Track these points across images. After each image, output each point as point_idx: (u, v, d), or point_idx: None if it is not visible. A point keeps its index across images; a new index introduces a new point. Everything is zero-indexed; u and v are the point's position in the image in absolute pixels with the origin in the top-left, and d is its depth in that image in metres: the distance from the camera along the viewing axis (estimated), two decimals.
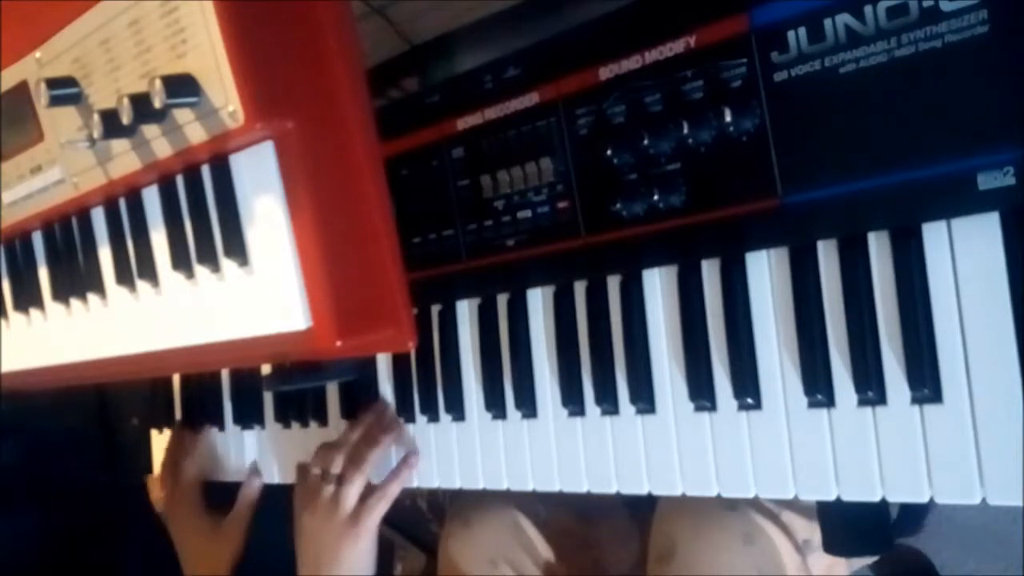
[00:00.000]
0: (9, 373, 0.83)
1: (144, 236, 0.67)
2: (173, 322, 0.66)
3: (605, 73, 0.70)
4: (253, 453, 1.01)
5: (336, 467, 0.85)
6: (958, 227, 0.57)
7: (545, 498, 0.80)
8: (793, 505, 0.77)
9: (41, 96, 0.64)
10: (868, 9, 0.58)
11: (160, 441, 1.11)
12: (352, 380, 0.89)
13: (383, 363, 0.88)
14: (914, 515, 0.96)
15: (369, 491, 0.84)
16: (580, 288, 0.74)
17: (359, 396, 0.90)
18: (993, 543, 1.14)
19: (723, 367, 0.66)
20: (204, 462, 1.03)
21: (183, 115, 0.58)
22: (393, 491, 0.84)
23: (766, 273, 0.64)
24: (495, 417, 0.80)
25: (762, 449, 0.64)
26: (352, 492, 0.83)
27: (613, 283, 0.72)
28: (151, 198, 0.66)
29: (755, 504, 0.75)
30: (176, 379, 1.09)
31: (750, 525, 0.73)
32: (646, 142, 0.68)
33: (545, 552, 0.87)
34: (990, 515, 1.12)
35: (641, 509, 0.70)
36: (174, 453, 1.04)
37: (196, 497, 1.01)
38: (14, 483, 1.33)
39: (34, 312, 0.79)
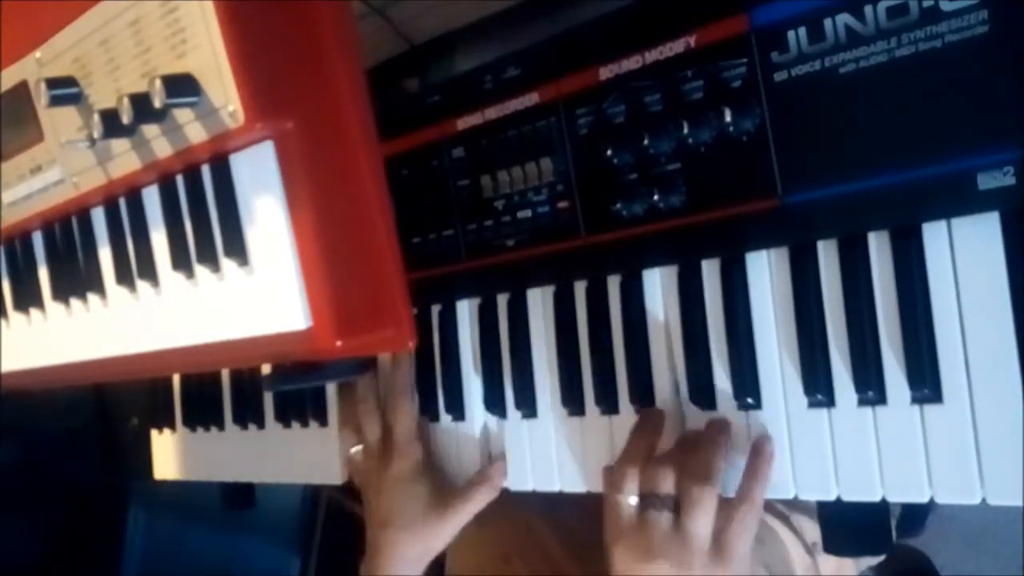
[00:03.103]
0: (9, 373, 0.83)
1: (144, 236, 0.67)
2: (173, 322, 0.66)
3: (605, 73, 0.70)
4: None
5: (666, 486, 0.63)
6: (958, 227, 0.57)
7: (557, 498, 0.77)
8: (802, 507, 0.77)
9: (41, 96, 0.64)
10: (868, 9, 0.58)
11: (160, 441, 1.11)
12: (352, 380, 0.89)
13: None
14: (916, 516, 0.96)
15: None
16: (580, 288, 0.74)
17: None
18: (993, 543, 1.15)
19: (723, 367, 0.66)
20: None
21: (183, 115, 0.58)
22: (758, 497, 0.62)
23: (766, 273, 0.64)
24: (496, 417, 0.80)
25: None
26: (703, 517, 0.61)
27: (613, 283, 0.72)
28: (151, 198, 0.66)
29: (765, 505, 0.75)
30: (176, 379, 1.09)
31: (761, 526, 0.73)
32: (646, 142, 0.68)
33: (557, 552, 0.86)
34: (990, 515, 1.12)
35: None
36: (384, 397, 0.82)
37: (418, 456, 0.80)
38: (14, 483, 1.33)
39: (34, 312, 0.79)
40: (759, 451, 0.63)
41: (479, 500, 0.78)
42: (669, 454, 0.65)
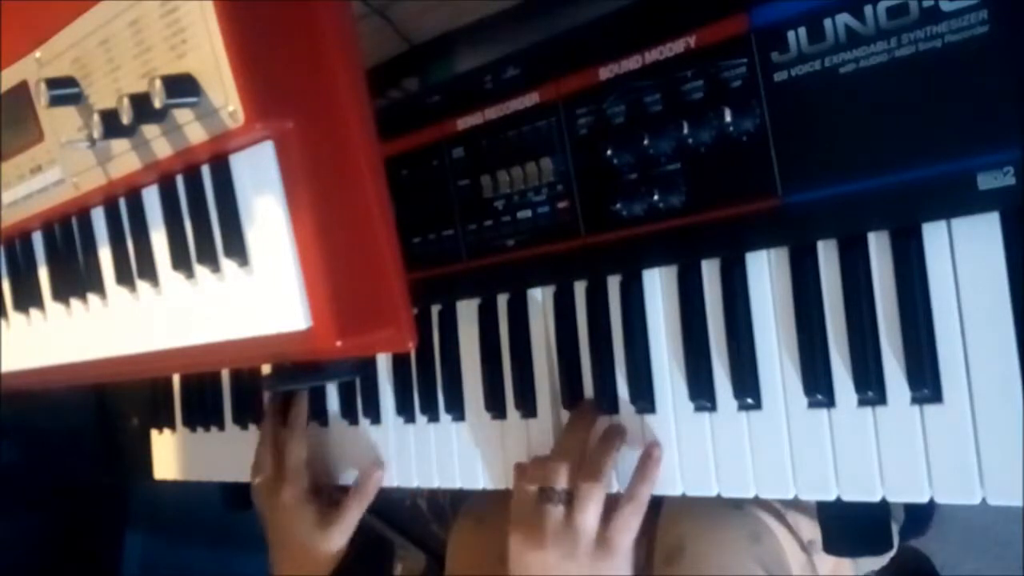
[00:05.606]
0: (9, 373, 0.83)
1: (144, 236, 0.67)
2: (173, 322, 0.66)
3: (605, 73, 0.70)
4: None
5: (561, 482, 0.69)
6: (958, 227, 0.56)
7: None
8: (798, 506, 0.77)
9: (41, 96, 0.64)
10: (868, 9, 0.58)
11: (160, 441, 1.11)
12: (352, 380, 0.89)
13: (383, 363, 0.88)
14: (919, 517, 0.96)
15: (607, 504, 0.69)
16: (580, 288, 0.74)
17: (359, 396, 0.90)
18: (993, 543, 1.15)
19: (723, 367, 0.66)
20: (315, 452, 0.91)
21: (183, 115, 0.58)
22: (644, 496, 0.68)
23: (766, 273, 0.64)
24: (495, 417, 0.80)
25: (762, 449, 0.64)
26: (591, 511, 0.67)
27: (613, 283, 0.72)
28: (151, 198, 0.66)
29: (762, 503, 0.75)
30: (176, 379, 1.09)
31: (757, 524, 0.73)
32: (646, 142, 0.68)
33: None
34: (990, 515, 1.12)
35: (646, 514, 0.70)
36: (278, 436, 0.91)
37: (304, 484, 0.88)
38: (14, 483, 1.33)
39: (34, 312, 0.79)
40: (649, 455, 0.69)
41: (356, 510, 0.86)
42: (569, 452, 0.70)
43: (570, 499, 0.68)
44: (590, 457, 0.69)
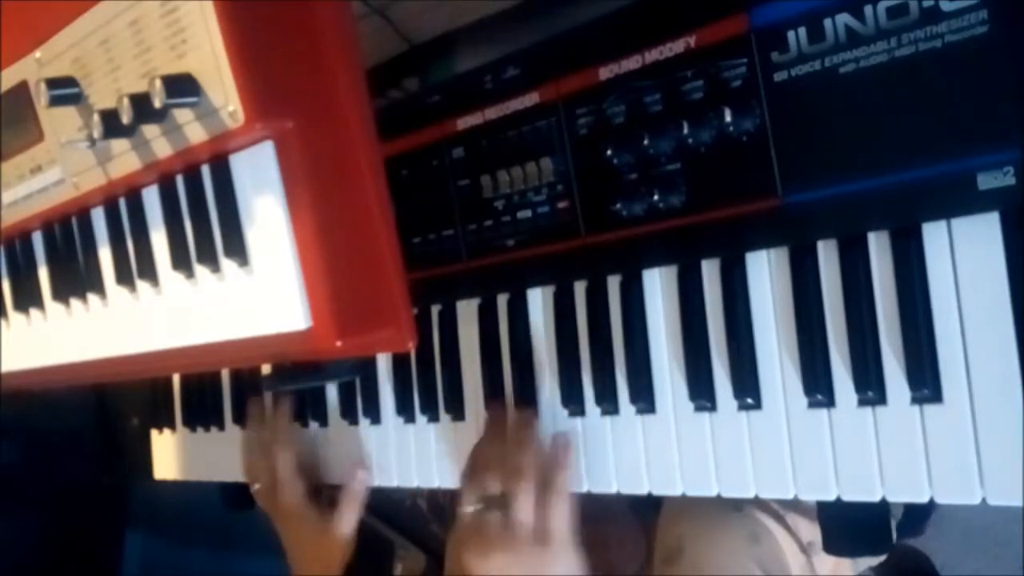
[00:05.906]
0: (9, 373, 0.83)
1: (144, 236, 0.67)
2: (173, 322, 0.66)
3: (605, 73, 0.70)
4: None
5: (492, 488, 0.72)
6: (958, 227, 0.56)
7: None
8: (797, 507, 0.77)
9: (41, 96, 0.64)
10: (868, 9, 0.58)
11: (160, 441, 1.11)
12: (352, 380, 0.90)
13: (383, 363, 0.88)
14: (917, 516, 0.96)
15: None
16: (580, 288, 0.74)
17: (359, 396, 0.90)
18: (993, 543, 1.14)
19: (723, 367, 0.66)
20: (305, 454, 0.93)
21: (183, 115, 0.58)
22: (562, 483, 0.71)
23: (766, 273, 0.64)
24: None
25: (762, 449, 0.64)
26: (524, 508, 0.70)
27: (613, 283, 0.72)
28: (151, 198, 0.66)
29: (761, 505, 0.75)
30: (176, 379, 1.09)
31: (756, 525, 0.74)
32: (646, 142, 0.68)
33: None
34: (990, 515, 1.12)
35: (646, 514, 0.70)
36: (269, 444, 0.93)
37: (300, 489, 0.91)
38: (14, 483, 1.33)
39: (34, 312, 0.79)
40: (557, 443, 0.73)
41: (349, 512, 0.88)
42: (492, 459, 0.74)
43: (503, 501, 0.71)
44: (511, 457, 0.72)
